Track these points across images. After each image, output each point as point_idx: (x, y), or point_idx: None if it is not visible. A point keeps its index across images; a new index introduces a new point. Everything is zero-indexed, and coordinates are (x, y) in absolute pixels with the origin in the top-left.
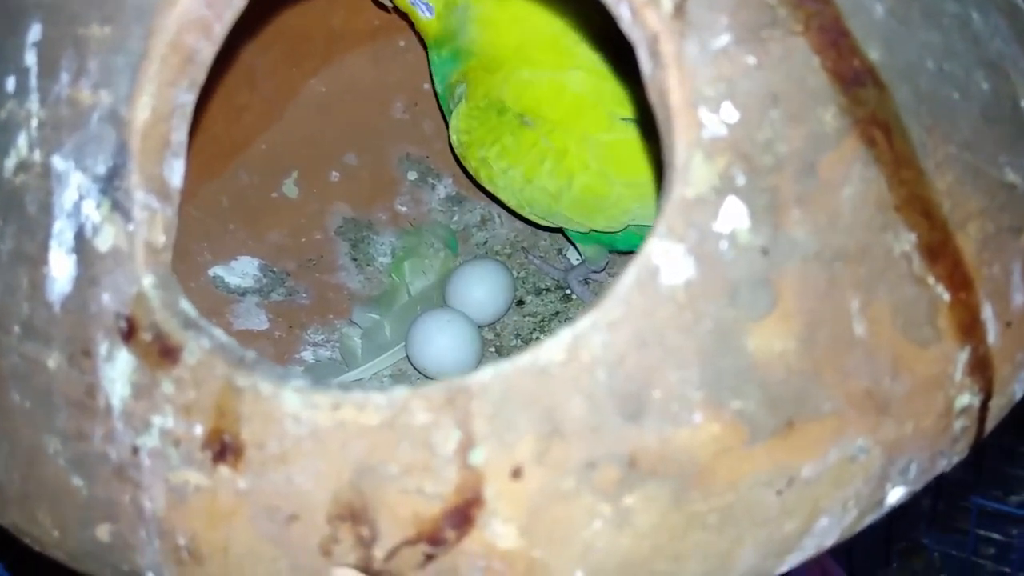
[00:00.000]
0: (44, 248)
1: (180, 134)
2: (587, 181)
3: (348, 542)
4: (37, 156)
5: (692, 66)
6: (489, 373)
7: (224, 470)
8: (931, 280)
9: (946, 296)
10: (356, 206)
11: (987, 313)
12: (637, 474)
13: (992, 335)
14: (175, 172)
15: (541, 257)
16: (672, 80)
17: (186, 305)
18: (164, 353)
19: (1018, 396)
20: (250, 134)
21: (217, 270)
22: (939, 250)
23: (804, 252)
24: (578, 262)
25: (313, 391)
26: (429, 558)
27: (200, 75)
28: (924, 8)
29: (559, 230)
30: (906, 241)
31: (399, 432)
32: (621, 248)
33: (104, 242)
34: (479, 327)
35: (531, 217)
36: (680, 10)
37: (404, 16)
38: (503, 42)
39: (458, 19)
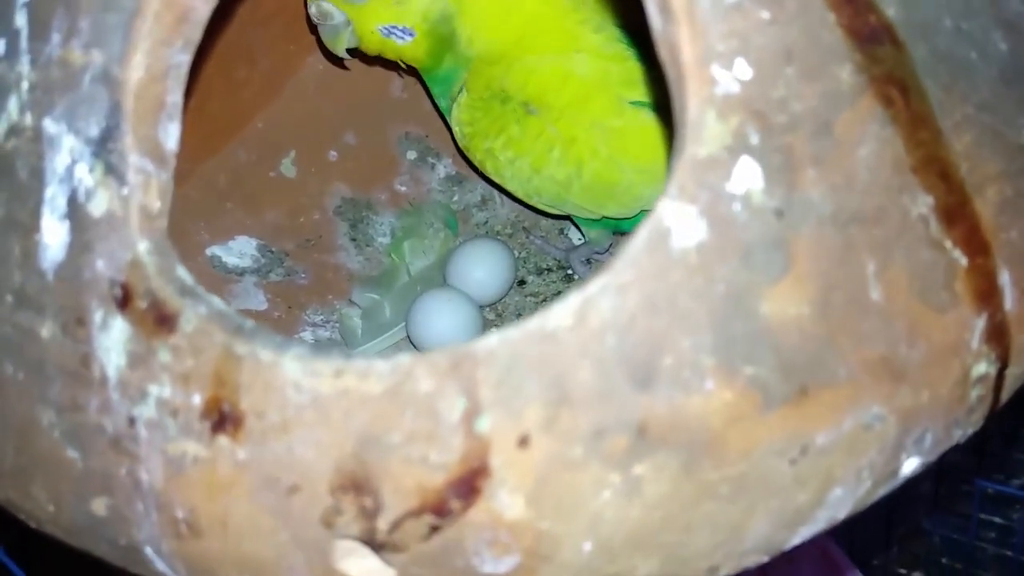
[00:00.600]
0: (36, 215)
1: (175, 96)
2: (597, 168)
3: (351, 513)
4: (28, 120)
5: (704, 21)
6: (495, 339)
7: (223, 440)
8: (948, 244)
9: (963, 261)
10: (355, 186)
11: (1004, 279)
12: (647, 443)
13: (1009, 302)
14: (170, 135)
15: (542, 237)
16: (683, 35)
17: (182, 272)
18: (160, 321)
19: None
20: (248, 112)
21: (215, 250)
22: (956, 213)
23: (819, 214)
24: (580, 242)
25: (314, 359)
26: (434, 529)
27: (195, 34)
28: None
29: (566, 217)
30: (923, 204)
31: (403, 400)
32: (629, 231)
33: (98, 207)
34: (480, 307)
35: (540, 206)
36: None
37: (385, 62)
38: (501, 34)
39: (445, 27)
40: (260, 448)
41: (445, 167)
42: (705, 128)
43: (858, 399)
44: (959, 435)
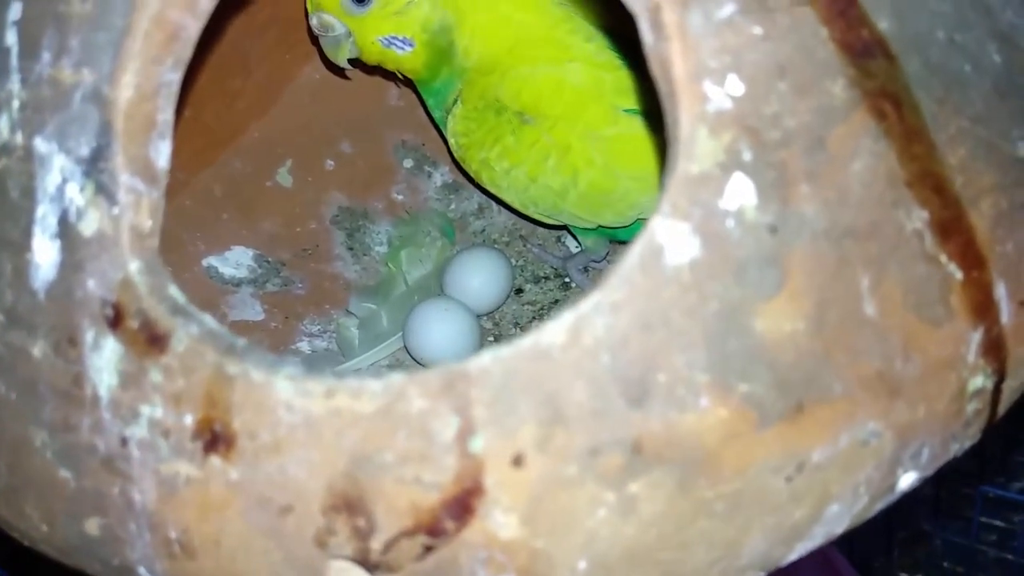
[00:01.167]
0: (27, 234)
1: (166, 114)
2: (593, 177)
3: (344, 534)
4: (19, 139)
5: (696, 37)
6: (488, 357)
7: (215, 461)
8: (943, 258)
9: (958, 275)
10: (352, 195)
11: (1000, 292)
12: (642, 460)
13: (1006, 315)
14: (161, 153)
15: (540, 245)
16: (675, 52)
17: (174, 291)
18: (152, 341)
19: None
20: (243, 121)
21: (211, 260)
22: (951, 227)
23: (813, 229)
24: (577, 250)
25: (306, 378)
26: (428, 549)
27: (186, 52)
28: None
29: (563, 226)
30: (917, 218)
31: (395, 420)
32: (625, 240)
33: (88, 226)
34: (477, 316)
35: (536, 216)
36: None
37: (384, 72)
38: (496, 44)
39: (444, 38)
40: (252, 468)
41: (442, 175)
42: (697, 145)
43: (854, 415)
44: (956, 449)
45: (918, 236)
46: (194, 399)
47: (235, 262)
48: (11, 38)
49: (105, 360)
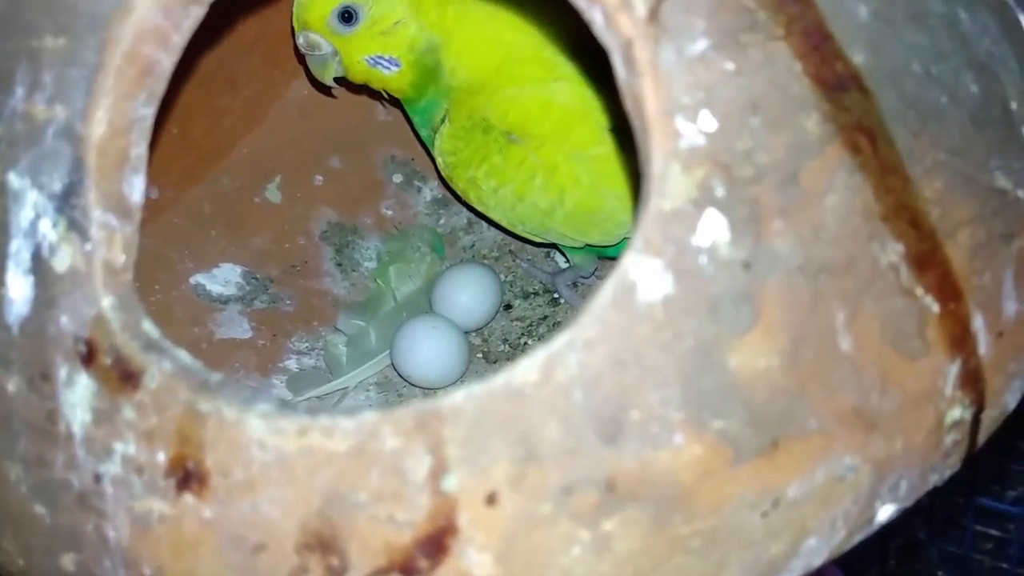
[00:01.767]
0: (1, 269)
1: (139, 149)
2: (579, 196)
3: (317, 572)
4: None
5: (668, 73)
6: (461, 396)
7: (188, 498)
8: (919, 291)
9: (935, 307)
10: (341, 210)
11: (978, 324)
12: (616, 498)
13: (983, 346)
14: (135, 188)
15: (529, 260)
16: (647, 88)
17: (148, 326)
18: (124, 378)
19: (1011, 407)
20: (232, 138)
21: (199, 278)
22: (927, 260)
23: (787, 265)
24: (566, 266)
25: (279, 416)
26: None
27: (159, 87)
28: (910, 8)
29: (552, 245)
30: (893, 252)
31: (368, 458)
32: (614, 256)
33: (61, 263)
34: (466, 332)
35: (524, 234)
36: (655, 14)
37: (370, 91)
38: (483, 64)
39: (430, 58)
40: (225, 506)
41: (431, 190)
42: (670, 182)
43: (830, 450)
44: (935, 480)
45: (894, 269)
46: (167, 436)
47: (223, 279)
48: None
49: (79, 396)
